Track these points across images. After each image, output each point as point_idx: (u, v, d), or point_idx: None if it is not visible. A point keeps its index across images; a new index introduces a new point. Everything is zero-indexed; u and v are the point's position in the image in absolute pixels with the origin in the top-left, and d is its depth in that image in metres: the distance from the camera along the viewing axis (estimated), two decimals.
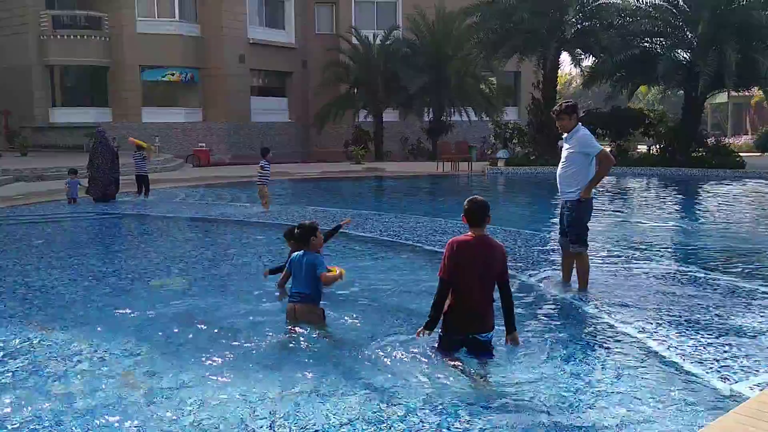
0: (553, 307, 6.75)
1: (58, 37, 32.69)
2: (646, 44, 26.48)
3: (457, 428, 3.97)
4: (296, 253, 6.04)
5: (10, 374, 4.88)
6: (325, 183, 22.59)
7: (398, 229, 11.34)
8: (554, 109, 7.22)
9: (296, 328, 5.66)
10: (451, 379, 4.66)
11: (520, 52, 27.86)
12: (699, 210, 16.45)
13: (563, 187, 7.17)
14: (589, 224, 7.28)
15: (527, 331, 5.82)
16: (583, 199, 7.02)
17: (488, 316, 4.71)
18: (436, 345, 4.95)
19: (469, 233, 4.72)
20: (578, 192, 7.01)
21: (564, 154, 7.16)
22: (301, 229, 6.07)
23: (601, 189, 20.08)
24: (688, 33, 25.74)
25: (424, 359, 4.94)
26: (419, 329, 4.87)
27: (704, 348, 5.35)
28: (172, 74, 34.39)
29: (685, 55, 26.05)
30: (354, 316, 6.22)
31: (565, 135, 7.19)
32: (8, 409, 4.25)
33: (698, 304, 6.64)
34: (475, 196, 4.80)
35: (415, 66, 32.04)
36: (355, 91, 34.42)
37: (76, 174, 15.96)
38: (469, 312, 4.65)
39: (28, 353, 5.34)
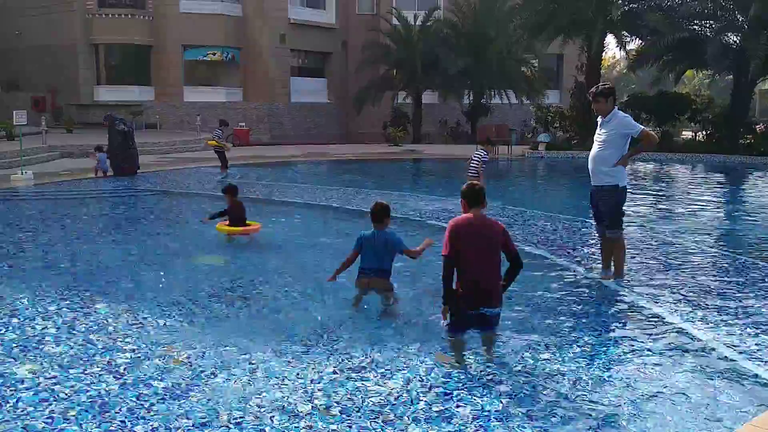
0: (591, 292, 6.65)
1: (104, 16, 33.18)
2: (695, 27, 25.79)
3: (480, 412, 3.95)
4: (366, 232, 6.21)
5: (57, 345, 5.00)
6: (363, 164, 22.57)
7: (439, 211, 11.29)
8: (590, 91, 7.09)
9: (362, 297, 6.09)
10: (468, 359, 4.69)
11: (565, 34, 27.34)
12: (746, 197, 16.03)
13: (599, 166, 6.95)
14: (624, 208, 7.13)
15: (565, 315, 5.76)
16: (618, 165, 6.82)
17: (496, 292, 4.76)
18: (447, 328, 4.95)
19: (468, 215, 4.79)
20: (613, 171, 6.82)
21: (600, 138, 6.98)
22: (379, 208, 6.18)
23: (646, 174, 19.72)
24: (738, 16, 24.95)
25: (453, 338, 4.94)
26: (442, 310, 4.89)
27: (750, 337, 5.23)
28: (214, 54, 34.66)
29: (735, 39, 25.30)
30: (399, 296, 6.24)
31: (600, 119, 7.02)
32: (54, 380, 4.36)
33: (742, 293, 6.49)
34: (472, 181, 5.04)
35: (456, 48, 31.71)
36: (395, 72, 34.24)
37: (102, 149, 16.86)
38: (476, 288, 4.70)
39: (74, 326, 5.47)
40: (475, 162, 11.91)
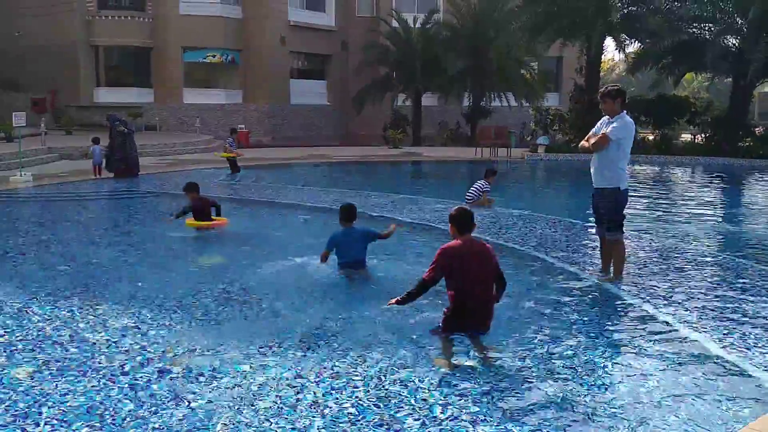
0: (590, 295, 6.65)
1: (104, 17, 33.20)
2: (694, 30, 25.81)
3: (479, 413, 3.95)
4: (338, 232, 7.06)
5: (56, 347, 5.00)
6: (363, 166, 22.59)
7: (434, 214, 11.29)
8: (599, 91, 7.12)
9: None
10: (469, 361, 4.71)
11: (564, 37, 27.38)
12: (745, 200, 16.04)
13: (600, 168, 6.94)
14: (625, 211, 7.13)
15: (563, 318, 5.76)
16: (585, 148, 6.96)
17: (488, 317, 4.80)
18: (437, 328, 4.96)
19: (458, 240, 4.79)
20: (615, 174, 6.82)
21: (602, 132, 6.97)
22: (352, 209, 7.15)
23: (646, 177, 19.75)
24: (737, 18, 24.98)
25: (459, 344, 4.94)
26: (390, 301, 5.01)
27: (748, 340, 5.23)
28: (214, 56, 34.69)
29: (734, 42, 25.33)
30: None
31: (607, 119, 7.02)
32: (54, 381, 4.35)
33: (741, 295, 6.48)
34: (461, 205, 5.07)
35: (456, 50, 31.74)
36: (394, 74, 34.28)
37: (98, 142, 17.06)
38: (472, 313, 4.75)
39: (74, 327, 5.47)
40: (474, 189, 12.09)
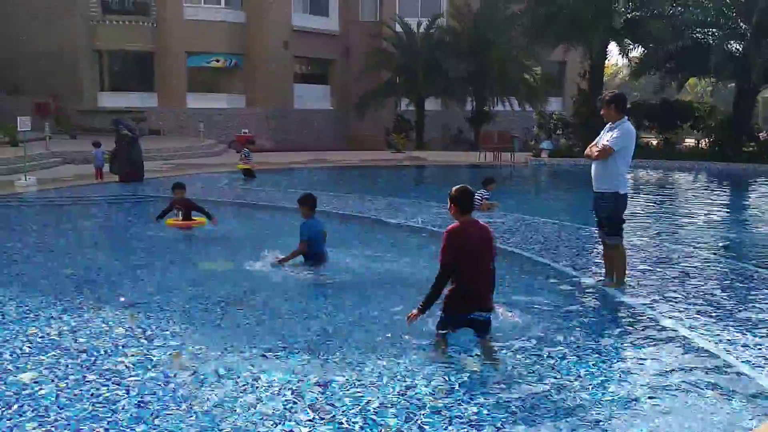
0: (592, 299, 6.65)
1: (107, 22, 33.27)
2: (697, 35, 25.79)
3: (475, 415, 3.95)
4: (308, 221, 7.50)
5: (62, 352, 5.00)
6: (366, 171, 22.59)
7: (437, 218, 11.30)
8: (599, 98, 7.14)
9: None
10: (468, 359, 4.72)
11: (566, 41, 27.38)
12: (748, 205, 16.01)
13: (600, 172, 6.93)
14: (624, 215, 7.12)
15: (565, 322, 5.75)
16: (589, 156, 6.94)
17: (489, 297, 4.79)
18: (438, 327, 4.96)
19: (461, 220, 4.81)
20: (614, 178, 6.82)
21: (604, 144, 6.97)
22: (316, 200, 7.64)
23: (648, 182, 19.72)
24: (741, 24, 24.97)
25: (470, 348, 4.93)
26: (411, 313, 4.85)
27: (752, 345, 5.22)
28: (217, 60, 34.75)
29: (737, 47, 25.31)
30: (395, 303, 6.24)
31: (609, 125, 7.02)
32: (59, 386, 4.36)
33: (746, 301, 6.48)
34: (463, 184, 4.98)
35: (458, 53, 31.76)
36: (397, 78, 34.30)
37: (99, 146, 17.11)
38: (472, 294, 4.74)
39: (79, 332, 5.47)
40: (475, 199, 11.94)
